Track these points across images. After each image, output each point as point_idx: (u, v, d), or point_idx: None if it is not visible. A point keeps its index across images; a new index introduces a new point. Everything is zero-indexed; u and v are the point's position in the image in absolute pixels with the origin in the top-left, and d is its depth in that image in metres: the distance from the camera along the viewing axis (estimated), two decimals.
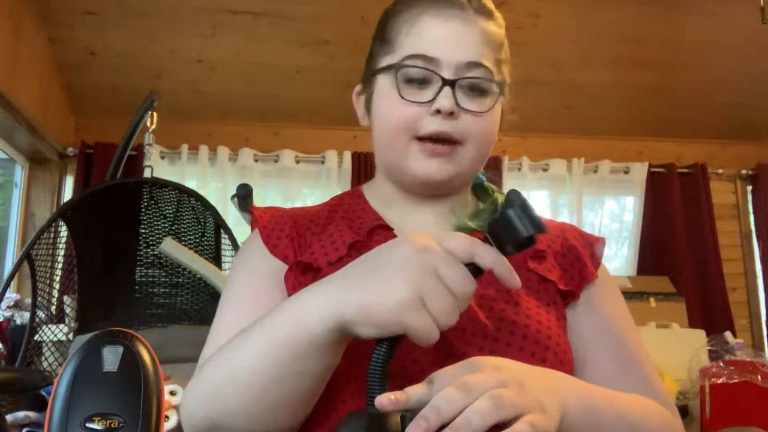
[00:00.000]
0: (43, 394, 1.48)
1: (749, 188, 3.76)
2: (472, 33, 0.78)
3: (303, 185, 3.40)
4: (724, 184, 3.72)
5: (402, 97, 0.77)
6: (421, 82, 0.77)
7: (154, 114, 2.21)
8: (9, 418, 1.29)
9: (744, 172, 3.72)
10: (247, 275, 0.80)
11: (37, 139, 2.91)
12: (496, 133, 0.82)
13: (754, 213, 3.71)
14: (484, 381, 0.52)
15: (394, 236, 0.79)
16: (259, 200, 2.63)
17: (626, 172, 3.56)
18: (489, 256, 0.56)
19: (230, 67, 3.11)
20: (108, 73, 3.08)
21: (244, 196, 2.03)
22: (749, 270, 3.66)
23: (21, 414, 1.33)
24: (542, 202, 3.56)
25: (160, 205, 2.06)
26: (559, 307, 0.77)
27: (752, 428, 1.70)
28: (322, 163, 3.37)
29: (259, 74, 3.14)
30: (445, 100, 0.75)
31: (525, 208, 0.56)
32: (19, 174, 3.15)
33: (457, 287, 0.55)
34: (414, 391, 0.53)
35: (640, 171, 3.55)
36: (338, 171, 3.35)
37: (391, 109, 0.78)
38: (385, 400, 0.51)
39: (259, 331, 0.63)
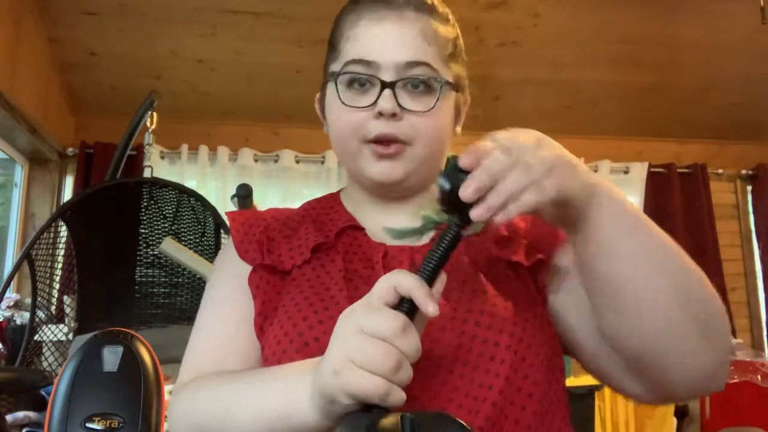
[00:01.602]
0: (43, 394, 1.48)
1: (749, 188, 3.76)
2: (410, 32, 0.77)
3: (303, 185, 3.40)
4: (724, 184, 3.72)
5: (343, 103, 0.77)
6: (363, 87, 0.77)
7: (154, 114, 2.21)
8: (9, 418, 1.29)
9: (744, 172, 3.72)
10: (222, 282, 0.82)
11: (37, 139, 2.91)
12: (448, 128, 0.81)
13: (754, 213, 3.71)
14: (526, 140, 0.59)
15: (365, 236, 0.80)
16: (259, 200, 2.63)
17: (626, 172, 3.56)
18: (406, 284, 0.57)
19: (230, 67, 3.11)
20: (108, 73, 3.08)
21: (244, 196, 2.04)
22: (749, 270, 3.67)
23: (21, 414, 1.33)
24: None
25: (160, 205, 2.06)
26: (531, 289, 0.76)
27: (752, 428, 1.70)
28: (322, 163, 3.37)
29: (259, 74, 3.14)
30: (385, 102, 0.75)
31: (457, 167, 0.58)
32: (19, 174, 3.15)
33: (380, 332, 0.55)
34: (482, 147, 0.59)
35: (640, 171, 3.55)
36: (338, 171, 3.35)
37: (337, 116, 0.79)
38: (467, 160, 0.58)
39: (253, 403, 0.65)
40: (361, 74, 0.76)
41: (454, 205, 0.58)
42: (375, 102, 0.75)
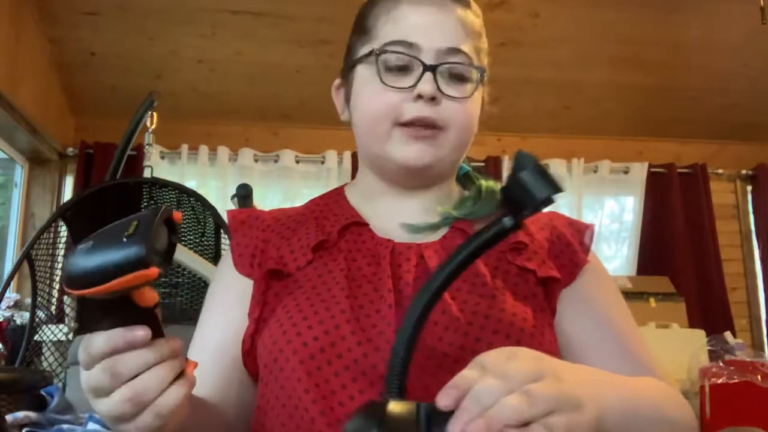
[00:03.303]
0: (43, 394, 1.48)
1: (749, 188, 3.75)
2: (450, 20, 0.78)
3: (303, 185, 3.40)
4: (724, 184, 3.72)
5: (384, 83, 0.76)
6: (402, 69, 0.77)
7: (154, 114, 2.21)
8: (9, 418, 1.29)
9: (744, 172, 3.71)
10: (216, 294, 0.82)
11: (37, 139, 2.91)
12: (477, 119, 0.81)
13: (754, 213, 3.71)
14: (523, 370, 0.49)
15: (370, 231, 0.79)
16: (259, 200, 2.63)
17: (626, 172, 3.56)
18: None
19: (230, 67, 3.11)
20: (108, 73, 3.08)
21: (244, 196, 2.03)
22: (749, 270, 3.66)
23: (21, 414, 1.33)
24: None
25: (160, 205, 2.06)
26: (539, 299, 0.75)
27: (752, 428, 1.70)
28: (322, 163, 3.37)
29: (259, 74, 3.14)
30: (426, 84, 0.75)
31: (539, 169, 0.53)
32: (19, 174, 3.15)
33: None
34: (468, 376, 0.50)
35: (639, 171, 3.55)
36: (338, 171, 3.35)
37: (372, 96, 0.78)
38: (447, 400, 0.49)
39: None
40: (402, 54, 0.76)
41: (512, 204, 0.54)
42: (415, 84, 0.75)
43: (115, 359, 0.53)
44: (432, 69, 0.75)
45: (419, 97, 0.75)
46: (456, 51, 0.77)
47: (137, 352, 0.53)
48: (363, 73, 0.80)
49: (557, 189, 0.52)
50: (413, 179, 0.80)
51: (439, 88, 0.75)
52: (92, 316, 0.53)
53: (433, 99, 0.75)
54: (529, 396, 0.47)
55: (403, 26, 0.77)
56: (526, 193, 0.52)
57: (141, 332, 0.53)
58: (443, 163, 0.79)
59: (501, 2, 2.87)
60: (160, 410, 0.53)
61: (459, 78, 0.77)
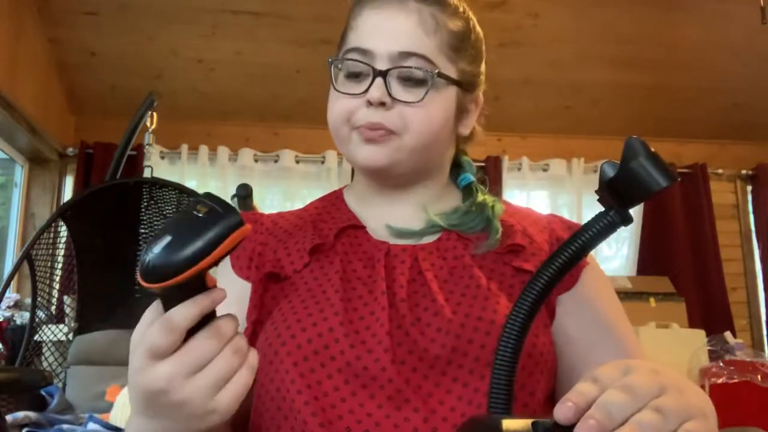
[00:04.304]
0: (43, 394, 1.49)
1: (749, 188, 3.76)
2: (408, 22, 0.77)
3: (303, 185, 3.40)
4: (724, 184, 3.72)
5: (337, 90, 0.78)
6: (358, 75, 0.77)
7: (154, 114, 2.22)
8: (9, 418, 1.29)
9: (744, 172, 3.72)
10: None
11: (37, 139, 2.91)
12: (442, 123, 0.79)
13: (754, 213, 3.71)
14: (648, 385, 0.47)
15: (366, 234, 0.80)
16: (259, 200, 2.63)
17: None
18: None
19: (230, 67, 3.11)
20: (108, 73, 3.08)
21: (244, 196, 2.04)
22: (749, 270, 3.67)
23: (21, 414, 1.33)
24: (542, 203, 3.56)
25: (160, 205, 2.07)
26: None
27: (752, 428, 1.70)
28: (322, 163, 3.37)
29: (259, 74, 3.14)
30: (374, 90, 0.75)
31: (652, 156, 0.48)
32: (19, 174, 3.15)
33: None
34: (586, 390, 0.47)
35: None
36: (338, 171, 3.35)
37: (331, 103, 0.80)
38: (570, 414, 0.45)
39: None
40: (356, 60, 0.77)
41: (619, 195, 0.50)
42: (366, 90, 0.75)
43: (190, 351, 0.54)
44: (382, 74, 0.75)
45: (370, 103, 0.75)
46: (410, 55, 0.76)
47: (212, 341, 0.55)
48: (331, 81, 0.81)
49: (673, 178, 0.48)
50: (380, 180, 0.81)
51: (390, 94, 0.75)
52: (164, 305, 0.55)
53: (382, 104, 0.75)
54: (661, 412, 0.45)
55: (361, 33, 0.78)
56: (639, 184, 0.49)
57: (222, 292, 0.56)
58: (403, 165, 0.78)
59: (501, 2, 2.87)
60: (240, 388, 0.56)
61: (413, 82, 0.76)
